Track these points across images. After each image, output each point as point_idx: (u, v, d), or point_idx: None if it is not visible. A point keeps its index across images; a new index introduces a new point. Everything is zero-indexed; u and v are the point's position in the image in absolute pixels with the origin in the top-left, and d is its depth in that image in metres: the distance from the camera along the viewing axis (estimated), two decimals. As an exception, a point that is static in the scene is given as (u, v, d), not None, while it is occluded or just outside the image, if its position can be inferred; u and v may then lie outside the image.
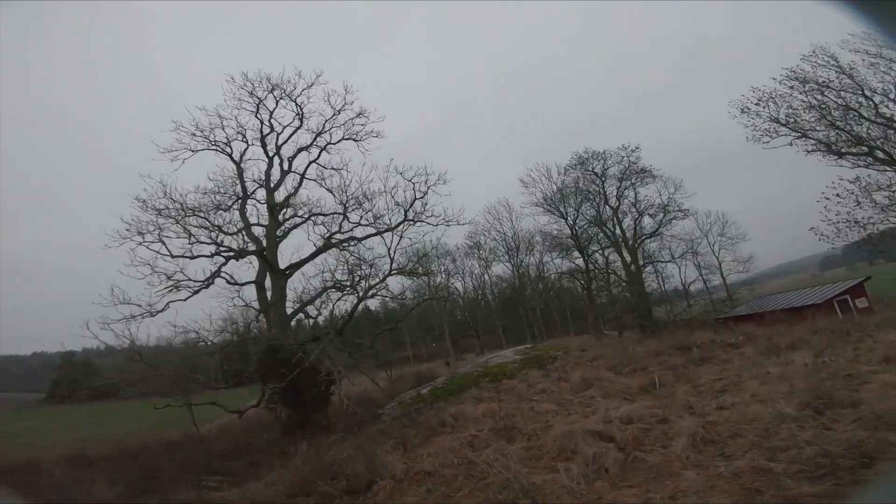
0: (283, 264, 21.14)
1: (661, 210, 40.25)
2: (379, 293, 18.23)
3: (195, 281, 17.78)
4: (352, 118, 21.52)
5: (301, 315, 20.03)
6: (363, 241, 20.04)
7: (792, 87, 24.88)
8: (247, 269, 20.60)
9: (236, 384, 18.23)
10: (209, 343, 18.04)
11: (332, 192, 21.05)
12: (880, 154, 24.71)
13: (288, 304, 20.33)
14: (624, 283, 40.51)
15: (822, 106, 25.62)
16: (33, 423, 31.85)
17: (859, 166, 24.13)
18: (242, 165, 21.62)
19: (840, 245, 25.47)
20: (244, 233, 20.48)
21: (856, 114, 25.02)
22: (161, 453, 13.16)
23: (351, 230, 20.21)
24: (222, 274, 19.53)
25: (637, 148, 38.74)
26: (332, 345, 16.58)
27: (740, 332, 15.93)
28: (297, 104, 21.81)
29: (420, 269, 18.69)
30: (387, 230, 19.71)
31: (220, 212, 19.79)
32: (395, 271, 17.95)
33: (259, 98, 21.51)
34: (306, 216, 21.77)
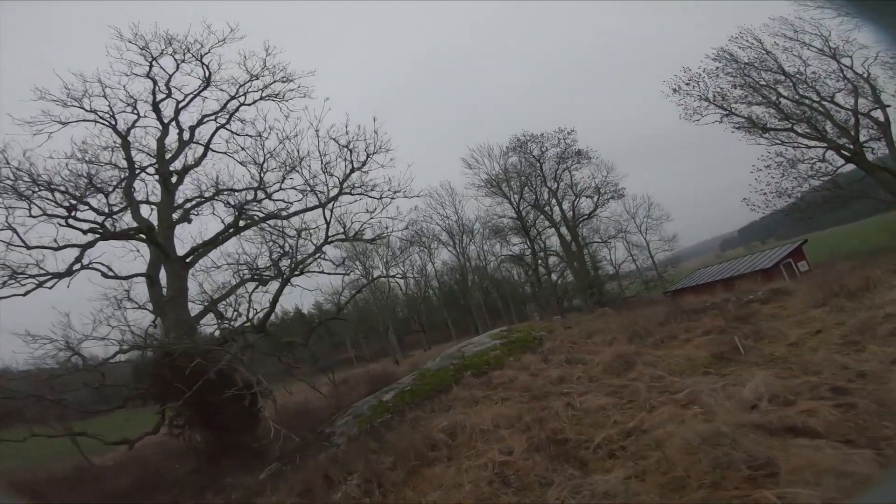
0: (186, 252, 16.47)
1: (596, 192, 41.01)
2: (310, 269, 14.54)
3: (45, 273, 12.73)
4: (272, 82, 17.22)
5: (213, 317, 15.54)
6: (287, 220, 16.06)
7: (718, 67, 26.08)
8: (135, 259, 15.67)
9: (122, 405, 13.48)
10: (78, 357, 13.18)
11: (245, 165, 16.72)
12: (801, 129, 26.46)
13: (195, 303, 15.74)
14: (565, 263, 40.81)
15: (749, 84, 27.00)
16: None
17: (777, 143, 26.38)
18: (130, 139, 16.65)
19: (768, 212, 27.50)
20: (132, 215, 15.61)
21: (774, 91, 26.73)
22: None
23: (277, 210, 16.08)
24: (94, 265, 14.61)
25: (573, 131, 39.11)
26: (251, 348, 12.68)
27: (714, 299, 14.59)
28: (204, 65, 17.17)
29: (368, 234, 15.28)
30: (316, 207, 15.91)
31: (98, 192, 14.75)
32: (334, 238, 14.35)
33: (153, 55, 16.61)
34: (212, 192, 17.14)
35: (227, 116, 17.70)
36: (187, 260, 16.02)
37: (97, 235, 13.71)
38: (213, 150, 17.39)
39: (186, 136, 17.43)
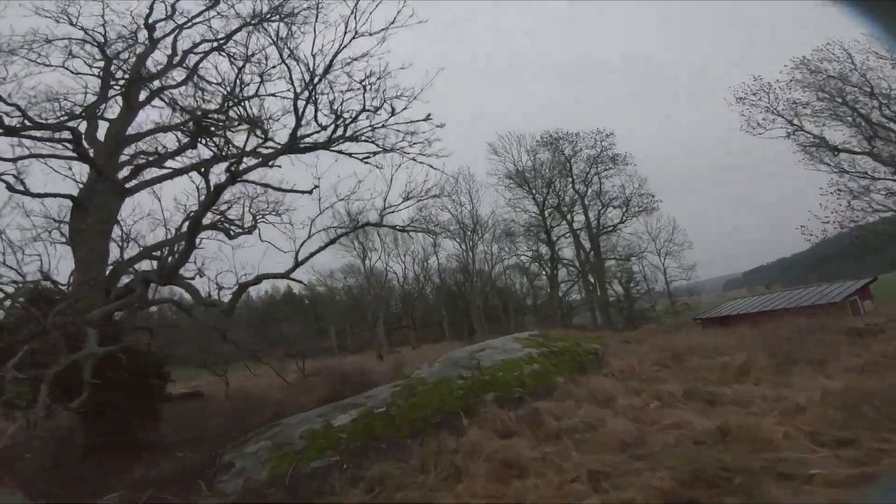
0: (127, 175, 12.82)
1: (625, 203, 37.39)
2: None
3: None
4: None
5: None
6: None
7: (794, 79, 23.40)
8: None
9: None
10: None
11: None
12: (885, 154, 23.75)
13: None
14: (572, 278, 37.12)
15: (830, 99, 24.24)
16: None
17: (839, 171, 23.19)
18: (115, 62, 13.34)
19: (824, 238, 24.69)
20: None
21: (855, 111, 24.12)
22: None
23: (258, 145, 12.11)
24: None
25: (611, 134, 35.68)
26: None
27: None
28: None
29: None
30: (310, 149, 12.00)
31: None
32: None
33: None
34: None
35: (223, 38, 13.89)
36: (127, 186, 12.19)
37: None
38: (204, 80, 13.49)
39: (177, 60, 13.77)
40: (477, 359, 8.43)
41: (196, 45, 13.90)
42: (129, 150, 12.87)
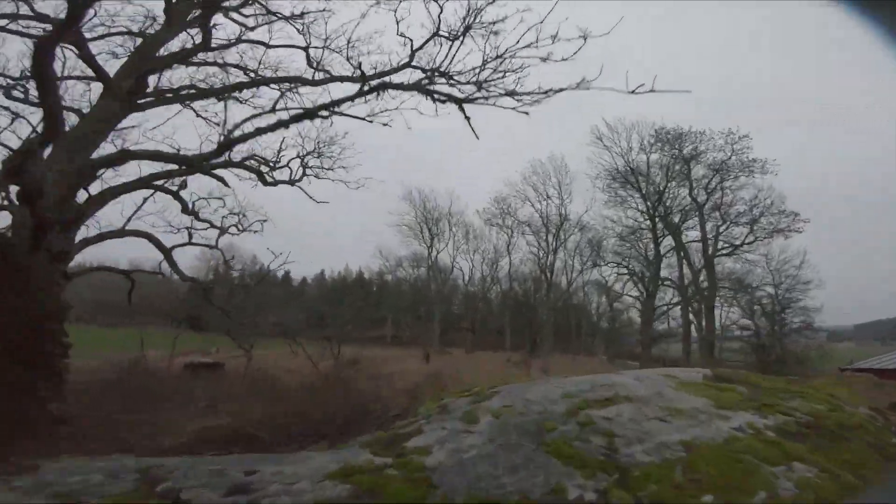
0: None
1: (753, 221, 29.90)
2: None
3: None
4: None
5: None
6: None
7: None
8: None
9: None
10: None
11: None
12: None
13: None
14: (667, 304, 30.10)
15: None
16: None
17: None
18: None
19: None
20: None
21: None
22: None
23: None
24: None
25: (747, 135, 28.23)
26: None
27: None
28: None
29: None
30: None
31: None
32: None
33: None
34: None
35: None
36: (136, 91, 9.65)
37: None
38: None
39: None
40: (595, 421, 3.86)
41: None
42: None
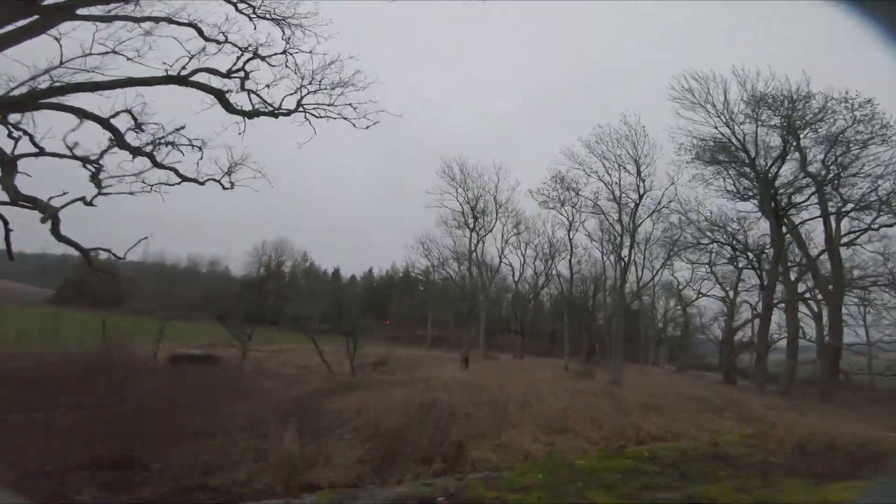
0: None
1: (881, 204, 23.24)
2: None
3: None
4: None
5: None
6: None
7: None
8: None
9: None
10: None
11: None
12: None
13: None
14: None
15: None
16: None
17: None
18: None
19: None
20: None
21: None
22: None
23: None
24: None
25: (870, 101, 21.49)
26: None
27: None
28: None
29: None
30: None
31: None
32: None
33: None
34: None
35: None
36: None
37: None
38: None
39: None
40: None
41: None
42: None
